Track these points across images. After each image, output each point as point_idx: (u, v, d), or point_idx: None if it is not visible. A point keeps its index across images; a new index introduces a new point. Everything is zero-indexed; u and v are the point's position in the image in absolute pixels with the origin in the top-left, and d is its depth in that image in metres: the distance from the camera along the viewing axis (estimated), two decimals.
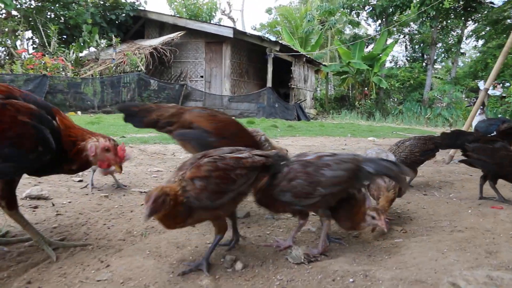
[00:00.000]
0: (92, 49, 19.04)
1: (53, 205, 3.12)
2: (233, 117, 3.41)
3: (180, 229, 2.67)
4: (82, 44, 18.16)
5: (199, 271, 2.12)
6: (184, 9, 30.98)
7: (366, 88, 24.85)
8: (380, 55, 23.29)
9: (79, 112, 14.32)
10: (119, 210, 3.10)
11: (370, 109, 23.16)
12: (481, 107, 6.63)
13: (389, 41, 26.90)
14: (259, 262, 2.29)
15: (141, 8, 21.47)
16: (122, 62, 17.72)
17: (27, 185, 3.65)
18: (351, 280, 2.05)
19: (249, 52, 20.55)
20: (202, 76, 19.95)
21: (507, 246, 2.53)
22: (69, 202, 3.04)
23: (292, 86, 21.75)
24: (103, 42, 18.40)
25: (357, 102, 24.43)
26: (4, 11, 17.32)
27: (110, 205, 3.21)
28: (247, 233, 2.77)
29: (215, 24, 22.74)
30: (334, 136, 10.83)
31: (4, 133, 1.98)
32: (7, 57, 16.53)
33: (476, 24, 25.28)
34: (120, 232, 2.64)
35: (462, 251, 2.46)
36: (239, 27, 23.59)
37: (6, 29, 16.98)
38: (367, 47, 27.93)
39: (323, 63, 26.03)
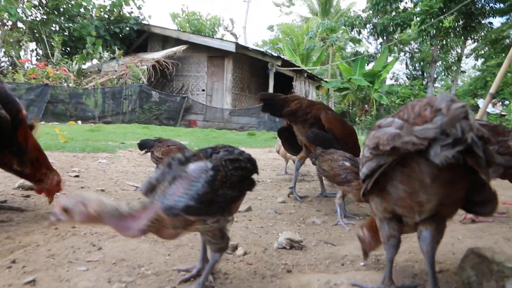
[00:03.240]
0: (95, 61, 19.21)
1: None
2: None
3: None
4: (85, 55, 18.32)
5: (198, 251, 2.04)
6: (187, 24, 31.39)
7: (366, 105, 24.94)
8: (381, 72, 23.47)
9: (79, 122, 14.31)
10: (115, 202, 3.03)
11: (370, 125, 23.20)
12: None
13: (390, 58, 27.14)
14: (262, 249, 2.27)
15: (145, 22, 21.74)
16: (124, 74, 17.84)
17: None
18: (362, 264, 2.02)
19: (251, 66, 20.71)
20: (203, 90, 20.06)
21: None
22: (63, 193, 2.99)
23: None
24: (106, 55, 18.58)
25: (357, 118, 24.48)
26: (10, 22, 17.55)
27: (109, 198, 3.17)
28: (249, 225, 2.77)
29: (218, 39, 22.99)
30: None
31: None
32: (10, 67, 16.66)
33: (476, 43, 25.55)
34: None
35: (478, 238, 2.41)
36: (241, 43, 23.79)
37: (11, 40, 17.15)
38: (367, 64, 28.17)
39: (324, 79, 26.21)
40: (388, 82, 31.45)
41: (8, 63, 16.82)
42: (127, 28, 21.02)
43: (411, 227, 1.58)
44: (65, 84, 15.89)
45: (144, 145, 3.70)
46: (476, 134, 1.15)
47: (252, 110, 19.36)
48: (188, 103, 18.79)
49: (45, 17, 19.07)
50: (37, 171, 2.45)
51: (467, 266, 1.64)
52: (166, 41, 20.77)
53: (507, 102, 19.39)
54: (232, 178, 1.54)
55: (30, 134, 2.51)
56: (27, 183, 3.22)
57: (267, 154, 7.37)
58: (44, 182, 2.49)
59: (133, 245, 2.11)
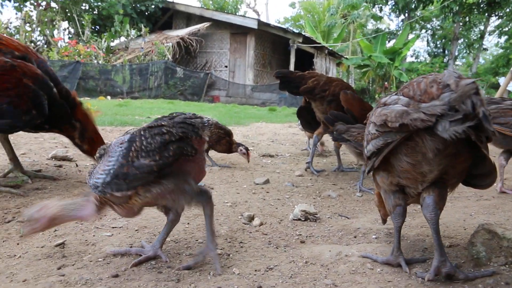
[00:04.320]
0: (123, 38, 19.93)
1: (77, 165, 3.48)
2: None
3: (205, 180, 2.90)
4: (113, 33, 19.05)
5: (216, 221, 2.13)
6: (210, 2, 31.66)
7: (386, 82, 25.03)
8: (402, 49, 23.41)
9: (108, 97, 15.15)
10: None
11: None
12: None
13: (411, 36, 26.92)
14: (278, 220, 2.35)
15: (169, 0, 22.24)
16: (150, 51, 18.53)
17: (53, 148, 4.00)
18: (373, 236, 2.07)
19: (272, 43, 21.03)
20: (226, 66, 20.57)
21: None
22: (92, 164, 3.43)
23: None
24: (133, 32, 19.27)
25: (377, 95, 24.66)
26: (44, 2, 18.36)
27: None
28: (266, 197, 2.85)
29: (240, 16, 23.30)
30: None
31: (6, 91, 2.12)
32: (45, 45, 17.56)
33: (500, 20, 25.06)
34: None
35: (491, 215, 2.45)
36: (263, 20, 24.01)
37: (45, 19, 18.00)
38: (388, 41, 28.02)
39: (345, 56, 26.32)
40: (409, 59, 31.24)
41: (43, 41, 17.71)
42: (153, 6, 21.57)
43: (415, 198, 1.60)
44: (95, 61, 16.72)
45: None
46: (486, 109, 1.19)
47: (273, 86, 19.77)
48: (211, 79, 19.37)
49: None
50: (93, 149, 2.54)
51: (477, 242, 1.65)
52: (190, 18, 21.26)
53: None
54: (150, 146, 1.47)
55: (90, 120, 2.87)
56: (60, 153, 3.59)
57: (287, 129, 7.48)
58: None
59: (155, 214, 2.21)
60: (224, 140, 3.69)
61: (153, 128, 1.53)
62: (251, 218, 2.32)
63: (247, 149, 3.77)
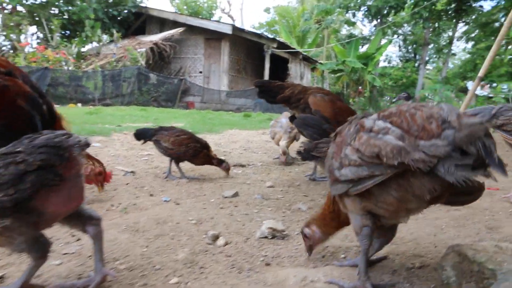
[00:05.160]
0: (94, 44, 19.47)
1: None
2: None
3: (164, 207, 2.77)
4: (84, 39, 18.59)
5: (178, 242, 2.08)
6: (185, 7, 31.44)
7: (360, 86, 25.43)
8: (374, 54, 23.85)
9: (79, 104, 14.75)
10: (103, 189, 3.13)
11: (364, 106, 23.75)
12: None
13: (384, 41, 27.49)
14: (244, 238, 2.24)
15: (142, 5, 21.91)
16: (123, 56, 18.17)
17: None
18: (342, 255, 2.00)
19: (247, 48, 21.01)
20: (201, 72, 20.39)
21: (508, 222, 2.47)
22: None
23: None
24: (105, 37, 18.85)
25: (351, 100, 24.99)
26: (10, 6, 17.75)
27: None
28: (234, 212, 2.76)
29: (215, 21, 23.20)
30: None
31: (1, 113, 2.04)
32: (11, 51, 16.95)
33: (467, 26, 25.94)
34: (99, 209, 2.68)
35: (462, 227, 2.42)
36: (238, 25, 24.01)
37: (11, 24, 17.40)
38: (362, 47, 28.52)
39: (319, 61, 26.59)
40: (382, 64, 31.88)
41: (9, 47, 17.09)
42: (125, 11, 21.20)
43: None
44: (65, 67, 16.25)
45: (141, 135, 3.62)
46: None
47: (248, 92, 19.76)
48: (185, 85, 19.16)
49: (44, 0, 19.24)
50: None
51: (447, 266, 1.56)
52: (163, 23, 21.01)
53: (494, 84, 20.02)
54: (3, 178, 1.26)
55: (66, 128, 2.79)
56: None
57: (260, 136, 7.36)
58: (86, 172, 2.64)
59: (112, 236, 2.11)
60: (201, 154, 3.60)
61: (7, 156, 1.30)
62: (215, 238, 2.23)
63: (228, 166, 3.72)
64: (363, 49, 28.05)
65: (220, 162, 3.71)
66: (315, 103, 3.08)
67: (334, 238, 2.20)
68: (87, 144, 1.47)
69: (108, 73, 16.94)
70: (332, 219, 1.77)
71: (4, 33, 17.01)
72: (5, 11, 17.56)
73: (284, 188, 3.60)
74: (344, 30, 35.09)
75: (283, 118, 4.59)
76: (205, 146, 3.67)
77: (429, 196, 1.26)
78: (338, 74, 26.29)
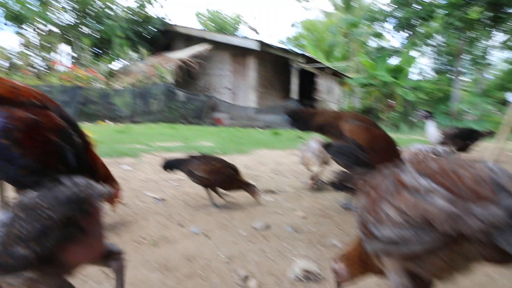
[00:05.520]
0: (123, 61, 19.82)
1: None
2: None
3: (194, 241, 2.68)
4: (113, 57, 18.95)
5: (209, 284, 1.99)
6: (211, 23, 31.80)
7: (392, 101, 24.68)
8: (405, 67, 23.18)
9: (109, 122, 14.87)
10: (132, 218, 3.15)
11: (396, 121, 22.96)
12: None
13: (415, 53, 26.75)
14: (276, 280, 2.12)
15: (169, 22, 22.22)
16: (151, 74, 18.36)
17: None
18: None
19: (274, 64, 20.84)
20: (228, 88, 20.34)
21: None
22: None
23: (317, 98, 21.86)
24: (134, 55, 19.16)
25: (383, 115, 24.27)
26: (46, 28, 18.36)
27: (125, 212, 3.30)
28: (265, 247, 2.62)
29: (241, 37, 23.23)
30: None
31: (34, 149, 2.06)
32: (47, 71, 17.42)
33: (504, 34, 24.85)
34: (129, 242, 2.63)
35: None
36: (265, 41, 23.97)
37: (47, 44, 17.94)
38: (389, 59, 27.80)
39: (348, 76, 26.09)
40: (414, 77, 31.00)
41: (44, 66, 17.57)
42: (153, 28, 21.53)
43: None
44: (96, 85, 16.53)
45: (171, 166, 3.51)
46: None
47: (276, 108, 19.51)
48: (213, 101, 19.12)
49: (76, 20, 19.82)
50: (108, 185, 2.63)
51: None
52: (190, 40, 21.16)
53: None
54: (27, 233, 1.26)
55: (95, 153, 2.63)
56: None
57: (290, 157, 6.89)
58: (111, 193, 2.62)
59: (143, 275, 2.09)
60: (234, 179, 3.49)
61: (32, 210, 1.31)
62: (246, 278, 2.11)
63: (257, 190, 3.60)
64: (393, 62, 27.37)
65: (248, 186, 3.57)
66: (350, 130, 2.92)
67: (372, 283, 2.02)
68: (108, 194, 1.51)
69: (137, 91, 17.18)
70: (361, 265, 1.65)
71: (41, 53, 17.53)
72: (41, 33, 18.15)
73: (316, 218, 3.34)
74: (373, 43, 34.57)
75: (313, 142, 4.29)
76: (236, 171, 3.53)
77: (483, 260, 1.18)
78: (369, 89, 25.68)
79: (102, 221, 1.47)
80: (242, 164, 5.95)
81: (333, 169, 3.99)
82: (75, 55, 19.30)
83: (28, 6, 17.69)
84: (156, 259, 2.31)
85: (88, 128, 11.55)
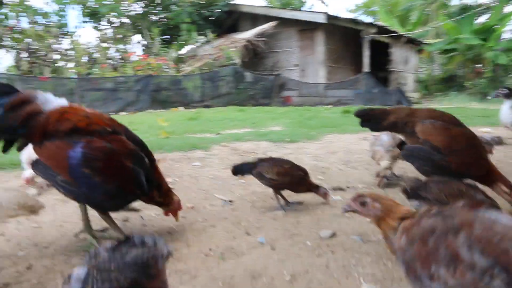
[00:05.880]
0: (191, 46, 20.17)
1: (142, 218, 3.26)
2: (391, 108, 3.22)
3: (260, 254, 2.58)
4: (182, 42, 19.35)
5: None
6: None
7: (478, 66, 22.24)
8: (497, 26, 20.59)
9: (181, 107, 15.27)
10: (201, 225, 3.08)
11: (484, 89, 20.66)
12: None
13: (509, 8, 23.58)
14: None
15: (233, 2, 22.07)
16: (218, 56, 18.50)
17: None
18: None
19: (343, 36, 19.83)
20: (296, 65, 19.86)
21: None
22: (157, 214, 3.15)
23: (391, 69, 20.46)
24: (200, 39, 19.40)
25: (468, 83, 22.04)
26: (118, 20, 19.26)
27: (194, 218, 3.23)
28: (330, 262, 2.42)
29: (307, 11, 22.38)
30: None
31: (113, 176, 2.21)
32: (121, 61, 18.34)
33: None
34: (197, 254, 2.56)
35: None
36: (332, 11, 22.86)
37: (119, 36, 18.84)
38: (477, 18, 24.89)
39: (426, 42, 23.96)
40: (507, 37, 27.51)
41: (119, 58, 18.50)
42: (218, 11, 21.54)
43: None
44: (166, 72, 17.05)
45: (240, 171, 3.61)
46: None
47: (348, 82, 18.71)
48: (281, 80, 18.82)
49: (144, 10, 20.49)
50: (168, 197, 2.67)
51: None
52: (255, 19, 20.85)
53: None
54: None
55: (158, 168, 2.69)
56: None
57: (361, 143, 6.20)
58: (171, 204, 2.71)
59: None
60: (304, 181, 3.42)
61: (103, 273, 1.37)
62: None
63: (326, 191, 3.47)
64: (480, 22, 24.48)
65: (317, 188, 3.43)
66: (424, 131, 2.78)
67: None
68: (171, 254, 1.56)
69: (206, 75, 17.52)
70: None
71: (115, 46, 18.47)
72: (113, 25, 19.07)
73: None
74: (455, 1, 31.24)
75: (384, 135, 3.97)
76: (306, 173, 3.45)
77: None
78: (450, 54, 23.40)
79: (165, 280, 1.51)
80: (312, 154, 5.66)
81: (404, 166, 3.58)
82: (145, 44, 20.03)
83: (104, 2, 18.62)
84: (222, 277, 2.25)
85: (162, 115, 12.03)
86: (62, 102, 2.29)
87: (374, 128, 3.20)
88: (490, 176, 2.80)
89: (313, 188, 3.45)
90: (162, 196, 2.66)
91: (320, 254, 2.53)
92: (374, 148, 4.01)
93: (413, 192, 2.32)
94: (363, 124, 3.18)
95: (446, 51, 23.35)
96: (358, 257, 2.47)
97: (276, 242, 2.74)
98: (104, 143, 2.18)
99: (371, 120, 3.15)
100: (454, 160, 2.64)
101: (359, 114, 3.18)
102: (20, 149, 2.29)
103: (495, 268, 1.05)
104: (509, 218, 1.20)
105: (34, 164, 2.33)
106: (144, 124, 9.39)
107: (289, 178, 3.34)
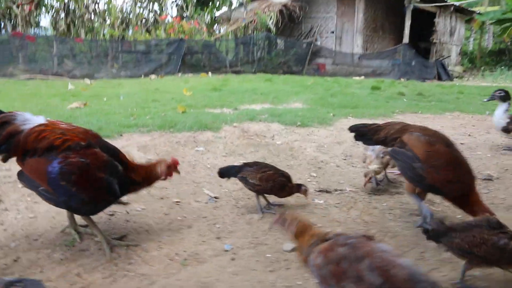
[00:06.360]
0: (225, 8, 19.78)
1: (127, 212, 3.33)
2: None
3: (218, 264, 2.60)
4: (216, 5, 19.00)
5: None
6: None
7: None
8: None
9: (210, 74, 15.21)
10: (178, 225, 3.11)
11: None
12: None
13: None
14: None
15: None
16: (252, 21, 18.06)
17: None
18: None
19: (385, 3, 18.68)
20: (332, 32, 19.06)
21: None
22: (143, 209, 3.22)
23: (435, 40, 19.16)
24: (235, 2, 18.98)
25: None
26: None
27: (175, 216, 3.26)
28: (279, 280, 2.43)
29: None
30: (470, 114, 8.41)
31: (87, 187, 2.46)
32: (155, 23, 18.32)
33: None
34: (164, 258, 2.63)
35: None
36: None
37: None
38: None
39: (478, 11, 22.09)
40: None
41: (152, 19, 18.45)
42: None
43: None
44: (199, 36, 16.91)
45: (225, 174, 3.69)
46: None
47: (385, 53, 17.83)
48: (315, 47, 18.22)
49: None
50: (151, 174, 2.78)
51: None
52: None
53: None
54: None
55: (136, 164, 2.81)
56: None
57: None
58: (157, 176, 2.81)
59: None
60: (287, 187, 3.54)
61: None
62: None
63: (306, 188, 3.59)
64: None
65: (298, 188, 3.56)
66: (409, 141, 2.95)
67: None
68: None
69: (238, 40, 17.36)
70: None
71: (147, 6, 18.38)
72: None
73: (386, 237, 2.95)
74: None
75: None
76: (289, 179, 3.55)
77: None
78: (505, 25, 21.49)
79: None
80: (316, 143, 5.49)
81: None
82: (179, 5, 19.80)
83: None
84: (174, 286, 2.29)
85: (189, 82, 12.01)
86: (40, 120, 2.53)
87: (367, 142, 3.43)
88: (467, 201, 2.76)
89: (295, 190, 3.54)
90: (145, 180, 2.81)
91: (274, 269, 2.53)
92: (366, 153, 4.02)
93: (435, 234, 2.35)
94: (357, 138, 3.40)
95: (500, 22, 21.46)
96: (307, 277, 2.41)
97: (240, 250, 2.75)
98: (78, 158, 2.43)
99: (364, 135, 3.33)
100: (431, 174, 2.74)
101: (352, 130, 3.41)
102: (4, 161, 2.57)
103: (386, 285, 1.45)
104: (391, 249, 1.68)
105: (19, 175, 2.64)
106: (168, 93, 9.37)
107: (271, 184, 3.44)
